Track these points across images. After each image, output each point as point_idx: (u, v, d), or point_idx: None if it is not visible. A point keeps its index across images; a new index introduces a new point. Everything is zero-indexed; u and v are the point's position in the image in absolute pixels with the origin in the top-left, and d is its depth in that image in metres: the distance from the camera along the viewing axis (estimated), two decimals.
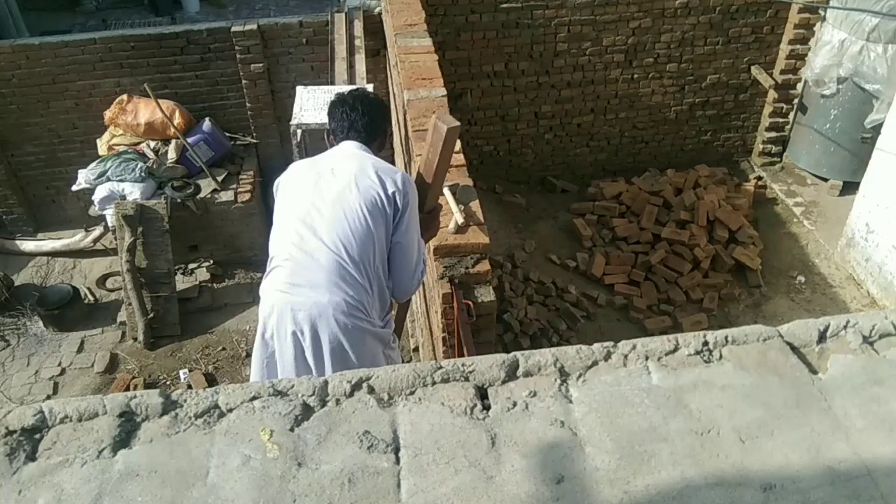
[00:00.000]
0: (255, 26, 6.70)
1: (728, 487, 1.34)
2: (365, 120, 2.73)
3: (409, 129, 3.80)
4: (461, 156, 3.59)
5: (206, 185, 6.77)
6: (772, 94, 7.49)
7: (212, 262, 6.95)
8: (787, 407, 1.49)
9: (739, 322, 5.98)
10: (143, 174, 6.56)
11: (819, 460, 1.39)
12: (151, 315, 6.30)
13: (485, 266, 3.10)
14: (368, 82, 5.46)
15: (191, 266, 6.94)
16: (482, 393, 1.53)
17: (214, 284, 6.86)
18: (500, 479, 1.36)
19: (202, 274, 6.89)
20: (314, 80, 6.49)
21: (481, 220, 3.20)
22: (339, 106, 2.77)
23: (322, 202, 2.58)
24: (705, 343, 1.62)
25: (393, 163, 7.03)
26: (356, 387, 1.52)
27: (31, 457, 1.40)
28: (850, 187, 6.88)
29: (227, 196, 6.74)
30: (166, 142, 6.79)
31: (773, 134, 7.73)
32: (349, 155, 2.70)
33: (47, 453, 1.40)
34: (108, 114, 6.69)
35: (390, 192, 2.58)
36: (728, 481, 1.35)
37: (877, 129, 6.18)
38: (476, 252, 3.10)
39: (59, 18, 9.22)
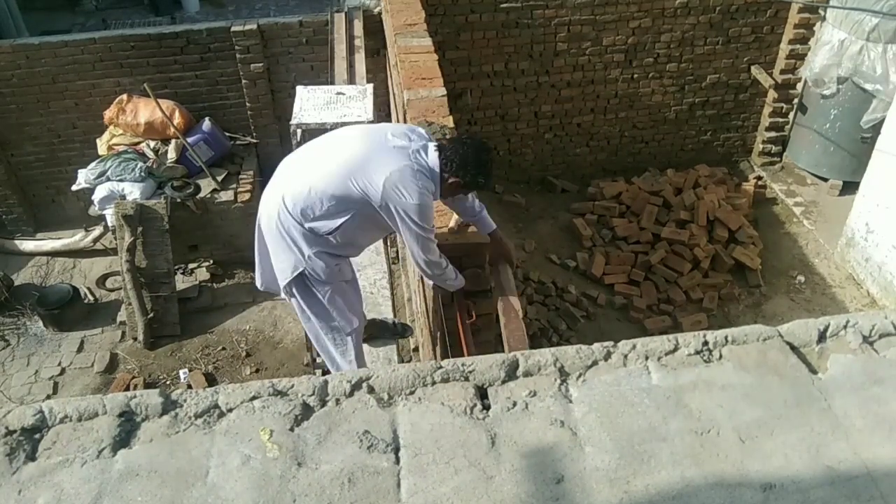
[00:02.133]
0: (254, 26, 6.69)
1: (728, 487, 1.34)
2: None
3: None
4: None
5: (206, 185, 6.76)
6: (772, 94, 7.49)
7: (212, 261, 6.95)
8: (787, 407, 1.48)
9: (739, 322, 5.98)
10: (142, 174, 6.56)
11: (819, 460, 1.38)
12: (151, 315, 6.29)
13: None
14: (368, 82, 5.46)
15: (191, 266, 6.94)
16: (482, 393, 1.53)
17: (214, 284, 6.86)
18: (499, 479, 1.36)
19: (202, 274, 6.89)
20: (314, 79, 6.48)
21: None
22: (462, 140, 2.91)
23: (352, 151, 2.95)
24: (705, 343, 1.62)
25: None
26: (356, 387, 1.52)
27: (31, 456, 1.40)
28: (849, 187, 6.88)
29: (226, 196, 6.74)
30: (166, 142, 6.78)
31: (773, 134, 7.73)
32: (415, 150, 2.81)
33: (47, 453, 1.40)
34: (107, 114, 6.69)
35: (386, 194, 2.78)
36: (728, 481, 1.35)
37: (876, 128, 6.18)
38: (476, 252, 3.11)
39: (59, 18, 9.21)
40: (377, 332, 4.10)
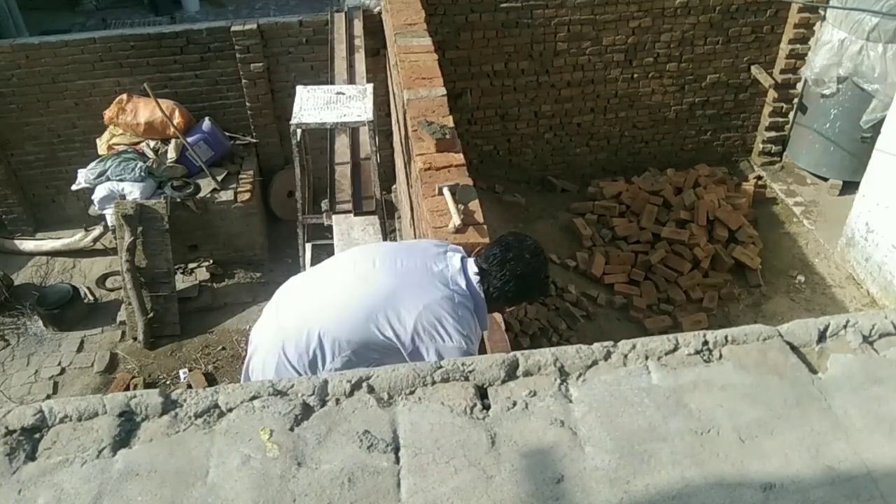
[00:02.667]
0: (254, 26, 6.69)
1: (728, 487, 1.34)
2: (502, 280, 2.28)
3: (409, 129, 3.80)
4: (461, 155, 3.59)
5: (206, 185, 6.77)
6: (772, 94, 7.49)
7: (212, 261, 6.95)
8: (787, 407, 1.48)
9: (739, 322, 5.97)
10: (142, 174, 6.56)
11: (819, 460, 1.38)
12: (151, 315, 6.29)
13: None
14: (368, 82, 5.46)
15: (191, 266, 6.94)
16: (482, 392, 1.53)
17: (214, 284, 6.86)
18: (499, 478, 1.36)
19: (202, 273, 6.89)
20: (314, 79, 6.49)
21: (481, 220, 3.19)
22: (503, 256, 2.31)
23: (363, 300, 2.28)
24: (705, 343, 1.62)
25: (393, 163, 7.03)
26: (356, 386, 1.52)
27: (31, 456, 1.40)
28: (849, 187, 6.88)
29: (226, 196, 6.74)
30: (166, 141, 6.79)
31: (773, 133, 7.73)
32: (453, 277, 2.26)
33: (47, 453, 1.40)
34: (107, 113, 6.69)
35: (427, 344, 2.21)
36: (728, 481, 1.35)
37: (876, 128, 6.18)
38: (476, 252, 3.10)
39: (59, 18, 9.21)
40: None
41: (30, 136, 6.98)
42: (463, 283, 2.22)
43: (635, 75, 7.21)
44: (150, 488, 1.34)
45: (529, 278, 2.28)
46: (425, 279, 2.20)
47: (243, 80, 6.93)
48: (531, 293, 2.38)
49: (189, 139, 6.69)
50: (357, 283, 2.25)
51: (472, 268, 2.28)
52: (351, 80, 5.71)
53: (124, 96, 6.67)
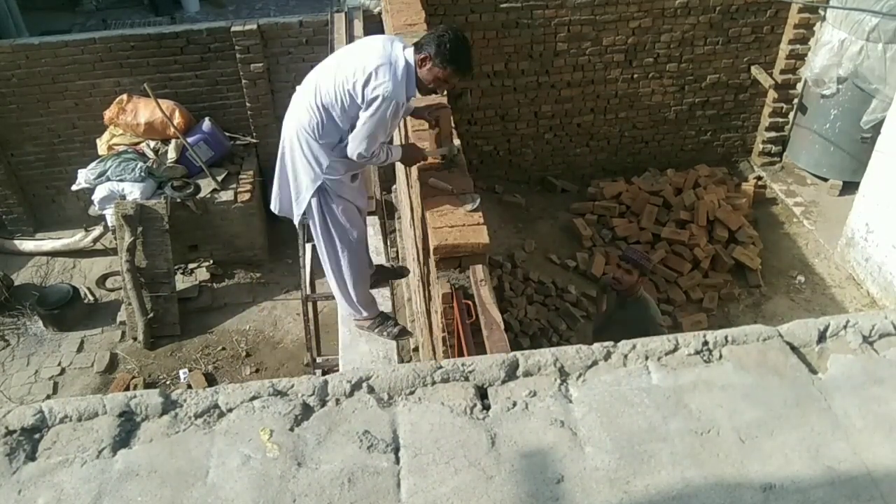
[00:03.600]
0: (254, 26, 6.69)
1: (728, 488, 1.34)
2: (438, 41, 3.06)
3: (409, 129, 3.80)
4: (461, 156, 3.59)
5: (206, 185, 6.77)
6: (772, 94, 7.49)
7: (212, 261, 6.95)
8: (787, 407, 1.49)
9: (739, 322, 5.97)
10: (142, 174, 6.56)
11: (819, 460, 1.39)
12: (151, 315, 6.30)
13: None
14: None
15: (191, 266, 6.94)
16: (482, 393, 1.53)
17: (214, 284, 6.86)
18: (499, 479, 1.36)
19: (202, 274, 6.89)
20: None
21: (481, 220, 3.20)
22: (435, 33, 3.11)
23: (338, 63, 3.20)
24: (705, 343, 1.62)
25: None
26: (356, 387, 1.52)
27: (31, 456, 1.40)
28: (849, 187, 6.88)
29: (226, 196, 6.74)
30: (166, 142, 6.79)
31: (773, 134, 7.73)
32: (394, 52, 3.08)
33: (47, 453, 1.40)
34: (107, 113, 6.69)
35: (364, 85, 3.03)
36: (728, 481, 1.35)
37: (876, 128, 6.18)
38: (476, 252, 3.11)
39: (59, 18, 9.20)
40: (382, 276, 4.24)
41: (30, 136, 6.98)
42: (400, 58, 3.03)
43: (635, 76, 7.21)
44: (150, 488, 1.34)
45: (452, 46, 2.99)
46: (373, 51, 3.07)
47: (243, 81, 6.93)
48: (456, 61, 3.02)
49: (189, 139, 6.69)
50: (333, 69, 3.16)
51: (409, 49, 3.06)
52: None
53: (124, 96, 6.67)
